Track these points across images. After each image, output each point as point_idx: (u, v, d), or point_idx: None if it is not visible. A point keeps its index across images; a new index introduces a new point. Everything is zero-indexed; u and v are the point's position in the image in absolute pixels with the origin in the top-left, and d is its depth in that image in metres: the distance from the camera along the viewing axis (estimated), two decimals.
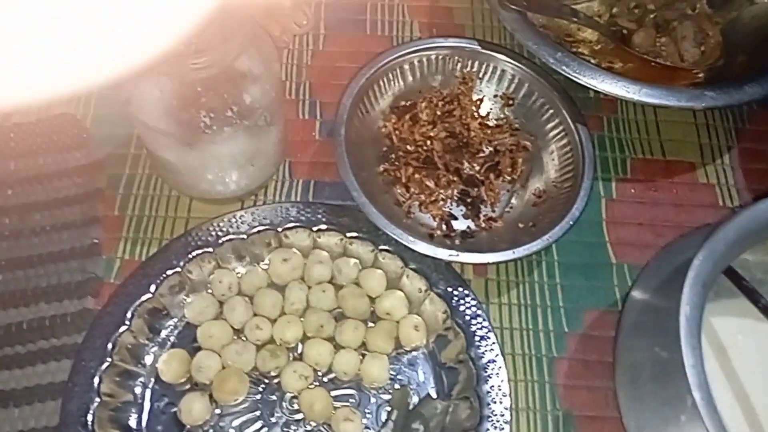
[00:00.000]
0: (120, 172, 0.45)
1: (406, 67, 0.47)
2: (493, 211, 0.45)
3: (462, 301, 0.40)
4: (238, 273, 0.42)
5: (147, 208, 0.44)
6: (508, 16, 0.45)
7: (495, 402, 0.37)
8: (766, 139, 0.50)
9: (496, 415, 0.37)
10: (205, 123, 0.36)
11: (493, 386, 0.37)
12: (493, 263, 0.40)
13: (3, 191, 0.43)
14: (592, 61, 0.49)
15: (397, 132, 0.46)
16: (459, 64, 0.47)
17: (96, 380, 0.37)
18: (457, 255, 0.39)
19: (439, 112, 0.47)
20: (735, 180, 0.48)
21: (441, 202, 0.45)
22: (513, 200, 0.46)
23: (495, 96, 0.48)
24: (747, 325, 0.40)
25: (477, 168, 0.47)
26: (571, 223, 0.41)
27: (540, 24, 0.49)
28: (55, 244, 0.41)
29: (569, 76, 0.43)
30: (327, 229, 0.43)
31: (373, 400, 0.39)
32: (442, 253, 0.39)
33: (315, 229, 0.42)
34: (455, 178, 0.46)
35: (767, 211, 0.35)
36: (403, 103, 0.47)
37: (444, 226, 0.45)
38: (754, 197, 0.47)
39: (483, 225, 0.45)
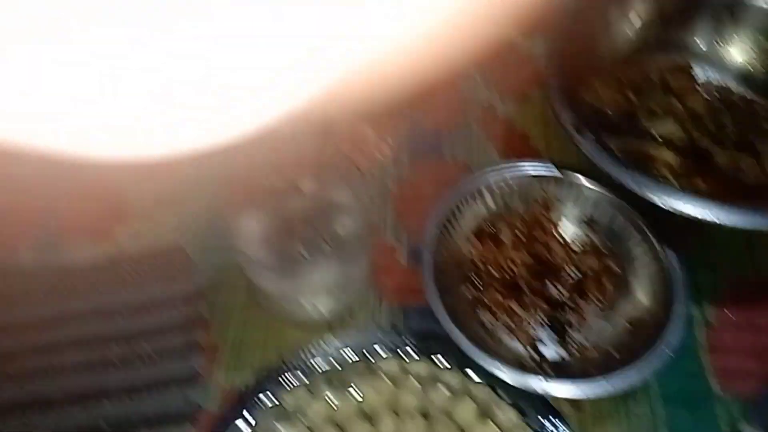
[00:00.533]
0: (218, 299, 0.48)
1: (487, 192, 0.49)
2: (586, 339, 0.45)
3: None
4: (330, 400, 0.42)
5: (242, 335, 0.46)
6: (585, 141, 0.46)
7: None
8: None
9: None
10: (301, 254, 0.39)
11: None
12: (586, 398, 0.39)
13: (113, 319, 0.46)
14: (675, 183, 0.50)
15: (481, 257, 0.48)
16: (539, 187, 0.49)
17: None
18: (548, 383, 0.38)
19: (522, 237, 0.48)
20: None
21: (528, 327, 0.45)
22: (604, 326, 0.45)
23: (576, 219, 0.49)
24: None
25: (564, 293, 0.46)
26: (666, 350, 0.39)
27: (618, 148, 0.50)
28: (159, 371, 0.43)
29: (650, 199, 0.43)
30: (416, 358, 0.43)
31: None
32: (534, 383, 0.38)
33: (405, 357, 0.43)
34: (541, 302, 0.46)
35: None
36: (486, 228, 0.49)
37: (533, 352, 0.44)
38: None
39: (575, 352, 0.44)
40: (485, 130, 0.57)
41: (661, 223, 0.46)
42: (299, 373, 0.42)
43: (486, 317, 0.46)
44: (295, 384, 0.42)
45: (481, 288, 0.47)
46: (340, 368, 0.43)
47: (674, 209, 0.43)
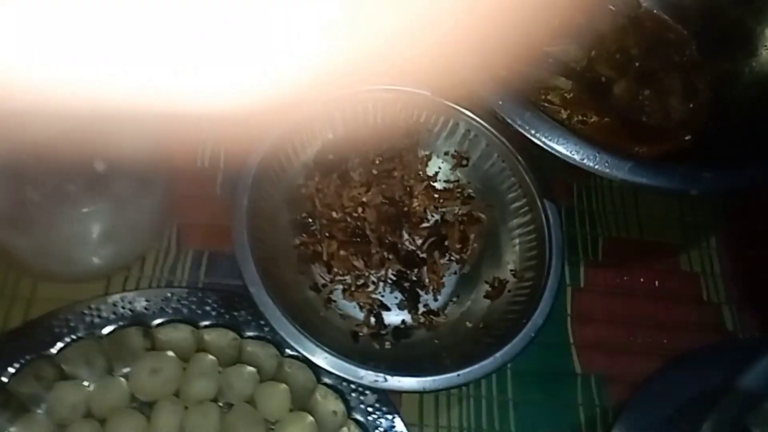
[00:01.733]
0: None
1: (338, 114, 0.37)
2: (435, 300, 0.36)
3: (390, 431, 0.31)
4: (87, 386, 0.31)
5: None
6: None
7: None
8: (761, 217, 0.42)
9: None
10: (32, 200, 0.25)
11: None
12: (431, 391, 0.31)
13: None
14: (563, 112, 0.41)
15: (320, 194, 0.36)
16: (403, 113, 0.38)
17: None
18: (385, 380, 0.29)
19: (375, 171, 0.37)
20: (722, 268, 0.40)
21: (371, 288, 0.36)
22: (461, 288, 0.37)
23: (446, 154, 0.39)
24: None
25: (419, 242, 0.37)
26: (533, 335, 0.32)
27: (506, 70, 0.40)
28: None
29: (540, 143, 0.34)
30: (217, 325, 0.32)
31: None
32: (364, 377, 0.29)
33: (201, 324, 0.32)
34: (391, 256, 0.36)
35: None
36: (330, 156, 0.37)
37: (373, 320, 0.35)
38: (743, 292, 0.40)
39: (422, 320, 0.35)
40: None
41: (542, 165, 0.37)
42: (44, 348, 0.30)
43: (319, 272, 0.36)
44: (36, 363, 0.30)
45: (317, 234, 0.36)
46: (105, 342, 0.31)
47: (565, 157, 0.34)
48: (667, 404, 0.33)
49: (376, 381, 0.29)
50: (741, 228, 0.42)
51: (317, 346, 0.29)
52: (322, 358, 0.29)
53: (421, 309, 0.36)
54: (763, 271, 0.40)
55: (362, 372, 0.29)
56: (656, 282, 0.39)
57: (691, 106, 0.43)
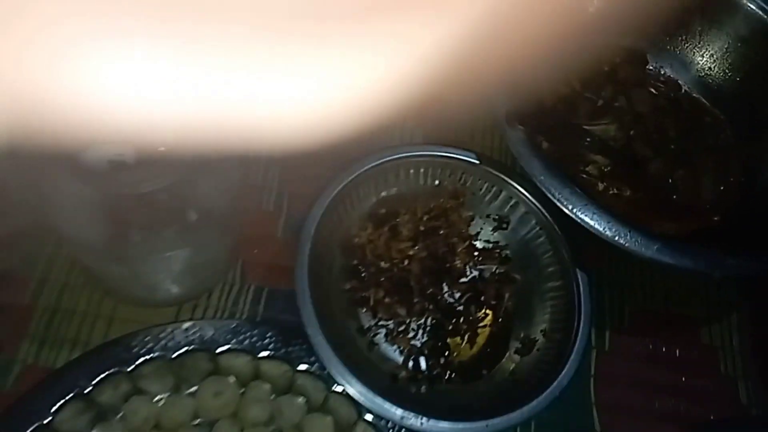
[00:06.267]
0: (35, 249, 0.38)
1: (393, 173, 0.41)
2: (470, 357, 0.39)
3: None
4: (158, 401, 0.35)
5: (60, 303, 0.37)
6: (514, 135, 0.39)
7: None
8: None
9: None
10: (133, 240, 0.30)
11: None
12: None
13: None
14: (600, 185, 0.44)
15: (371, 245, 0.40)
16: (452, 176, 0.42)
17: None
18: (424, 422, 0.33)
19: (422, 228, 0.41)
20: (741, 344, 0.43)
21: (411, 334, 0.39)
22: (491, 343, 0.40)
23: (488, 216, 0.42)
24: None
25: (457, 296, 0.41)
26: (557, 393, 0.35)
27: (548, 143, 0.43)
28: None
29: (575, 218, 0.37)
30: (274, 357, 0.36)
31: None
32: (404, 418, 0.33)
33: (259, 355, 0.36)
34: (431, 306, 0.40)
35: None
36: (383, 210, 0.41)
37: (411, 364, 0.38)
38: (758, 367, 0.42)
39: (456, 370, 0.39)
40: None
41: (575, 233, 0.40)
42: (123, 364, 0.34)
43: (364, 316, 0.39)
44: (115, 376, 0.34)
45: (365, 281, 0.40)
46: (177, 361, 0.35)
47: (586, 223, 0.37)
48: None
49: (414, 422, 0.33)
50: (761, 307, 0.44)
51: (359, 378, 0.33)
52: (363, 395, 0.33)
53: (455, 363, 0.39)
54: None
55: (400, 412, 0.33)
56: (677, 352, 0.42)
57: (722, 188, 0.46)
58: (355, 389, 0.33)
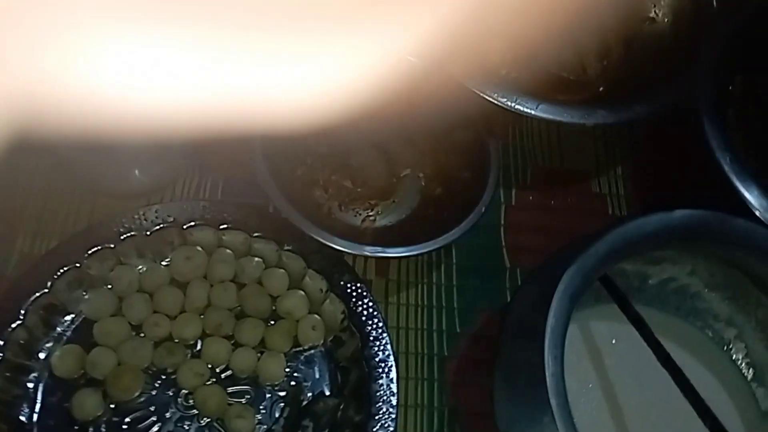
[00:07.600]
0: (20, 162, 0.45)
1: None
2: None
3: (360, 302, 0.42)
4: (139, 270, 0.42)
5: (49, 201, 0.44)
6: None
7: (383, 400, 0.39)
8: (658, 151, 0.53)
9: (383, 412, 0.39)
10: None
11: (382, 385, 0.39)
12: (395, 257, 0.41)
13: None
14: (502, 71, 0.52)
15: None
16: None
17: None
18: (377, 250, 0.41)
19: None
20: (625, 190, 0.51)
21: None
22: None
23: None
24: (621, 330, 0.43)
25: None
26: (471, 225, 0.43)
27: None
28: None
29: (486, 97, 0.44)
30: (232, 228, 0.43)
31: (268, 396, 0.40)
32: (360, 249, 0.40)
33: (220, 227, 0.43)
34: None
35: (635, 228, 0.38)
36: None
37: (367, 221, 0.46)
38: (642, 207, 0.51)
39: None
40: None
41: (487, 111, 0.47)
42: (108, 242, 0.41)
43: (319, 194, 0.47)
44: (102, 252, 0.41)
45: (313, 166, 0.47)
46: (152, 238, 0.42)
47: (497, 102, 0.45)
48: (552, 273, 0.44)
49: (367, 251, 0.40)
50: (642, 160, 0.53)
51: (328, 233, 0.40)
52: (332, 241, 0.40)
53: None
54: (657, 193, 0.51)
55: (358, 246, 0.40)
56: (571, 200, 0.50)
57: (605, 63, 0.54)
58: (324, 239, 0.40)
